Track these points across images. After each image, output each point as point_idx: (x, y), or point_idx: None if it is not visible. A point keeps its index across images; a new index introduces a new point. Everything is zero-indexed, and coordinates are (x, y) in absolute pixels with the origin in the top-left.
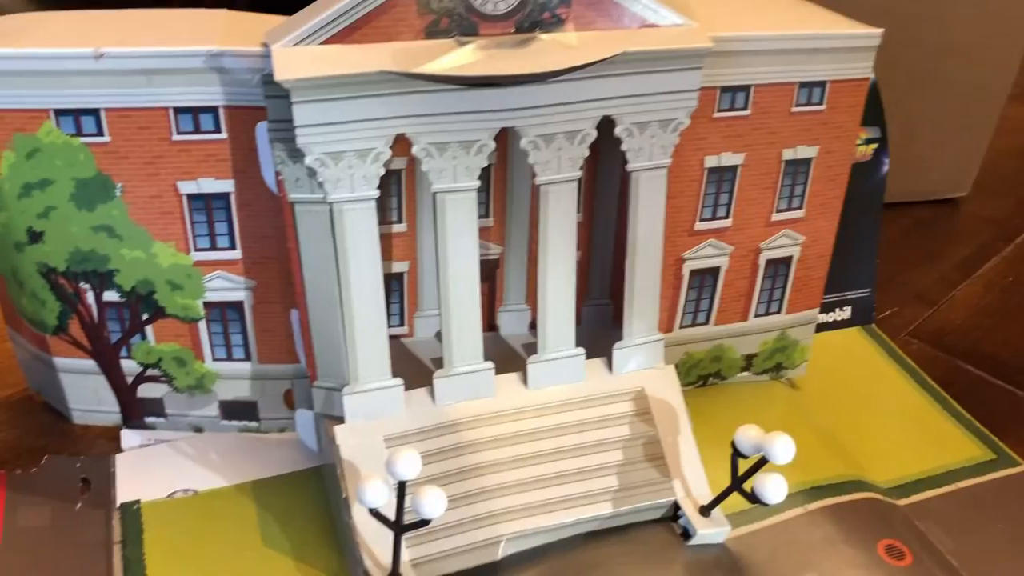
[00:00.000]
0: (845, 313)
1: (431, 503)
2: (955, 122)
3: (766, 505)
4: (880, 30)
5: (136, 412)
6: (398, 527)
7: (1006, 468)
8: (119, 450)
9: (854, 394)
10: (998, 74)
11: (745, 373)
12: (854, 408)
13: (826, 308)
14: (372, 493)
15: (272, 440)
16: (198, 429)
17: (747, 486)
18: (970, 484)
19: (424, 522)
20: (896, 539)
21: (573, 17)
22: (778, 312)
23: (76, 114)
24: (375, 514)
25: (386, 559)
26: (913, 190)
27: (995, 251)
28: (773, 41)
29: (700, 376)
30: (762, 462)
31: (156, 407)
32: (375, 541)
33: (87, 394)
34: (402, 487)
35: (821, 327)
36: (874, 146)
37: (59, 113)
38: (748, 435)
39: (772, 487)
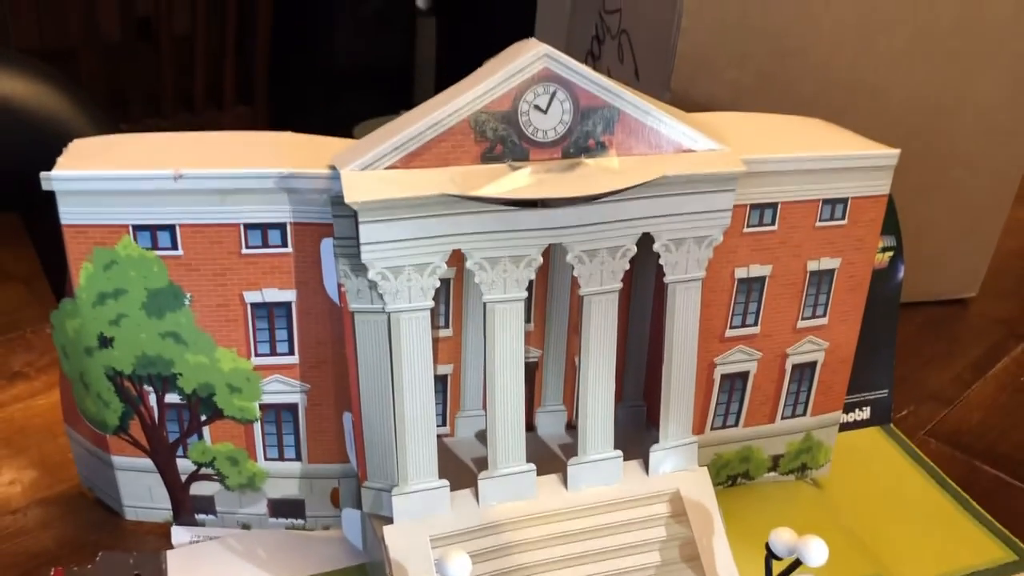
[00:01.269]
0: (864, 413)
1: None
2: (962, 226)
3: None
4: (897, 151)
5: (187, 509)
6: None
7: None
8: (170, 546)
9: (876, 494)
10: (1002, 182)
11: (772, 473)
12: (877, 508)
13: (846, 409)
14: None
15: (317, 537)
16: (246, 526)
17: None
18: None
19: None
20: None
21: (615, 144)
22: (803, 415)
23: (153, 229)
24: None
25: None
26: (925, 290)
27: (1006, 351)
28: (799, 162)
29: (729, 476)
30: (796, 564)
31: (207, 504)
32: None
33: (141, 491)
34: None
35: (842, 427)
36: (890, 254)
37: (137, 228)
38: (783, 538)
39: None
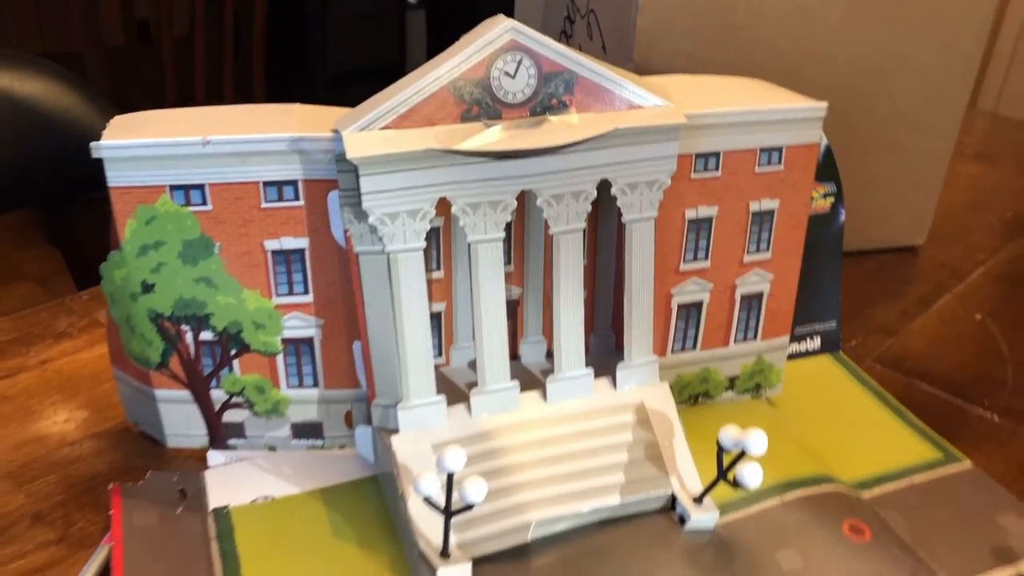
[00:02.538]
0: (815, 343)
1: (475, 490)
2: (908, 179)
3: (747, 489)
4: (824, 103)
5: (221, 435)
6: (447, 512)
7: (952, 465)
8: (207, 467)
9: (823, 409)
10: (940, 138)
11: (729, 392)
12: (824, 421)
13: (798, 339)
14: (426, 484)
15: (334, 455)
16: (272, 448)
17: (730, 476)
18: (922, 479)
19: (469, 507)
20: (858, 519)
21: (575, 102)
22: (754, 339)
23: (186, 188)
24: (428, 502)
25: (437, 541)
26: (876, 239)
27: (948, 289)
28: (736, 116)
29: (691, 395)
30: (741, 454)
31: (237, 430)
32: (427, 527)
33: (180, 421)
34: (450, 478)
35: (795, 355)
36: (831, 199)
37: (173, 188)
38: (730, 433)
39: (751, 473)
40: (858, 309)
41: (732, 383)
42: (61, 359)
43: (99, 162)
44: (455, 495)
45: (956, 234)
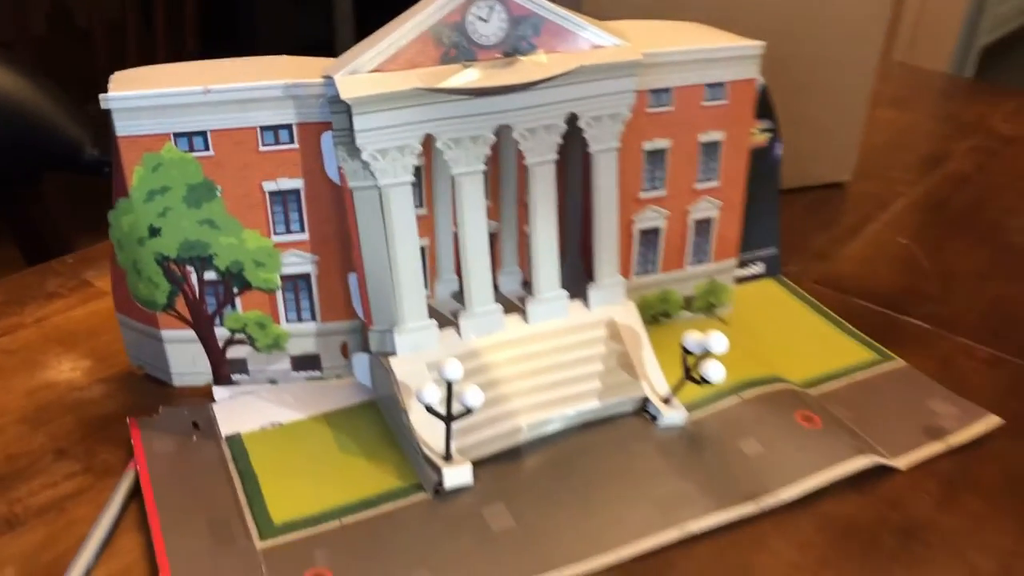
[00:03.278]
0: (759, 268)
1: (473, 396)
2: (833, 119)
3: (712, 383)
4: (760, 43)
5: (225, 372)
6: (448, 418)
7: (887, 364)
8: (213, 402)
9: (770, 324)
10: (860, 79)
11: (686, 312)
12: (771, 333)
13: (744, 264)
14: (428, 394)
15: (333, 384)
16: (273, 381)
17: (696, 375)
18: (861, 376)
19: (468, 411)
20: (808, 410)
21: (542, 44)
22: (706, 261)
23: (189, 135)
24: (430, 410)
25: (439, 447)
26: (808, 177)
27: (874, 218)
28: (685, 54)
29: (652, 315)
30: (705, 354)
31: (241, 366)
32: (429, 435)
33: (186, 360)
34: (450, 386)
35: (741, 279)
36: (768, 135)
37: (177, 135)
38: (693, 336)
39: (714, 369)
40: (796, 239)
41: (688, 303)
42: (56, 316)
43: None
44: (455, 403)
45: (879, 170)
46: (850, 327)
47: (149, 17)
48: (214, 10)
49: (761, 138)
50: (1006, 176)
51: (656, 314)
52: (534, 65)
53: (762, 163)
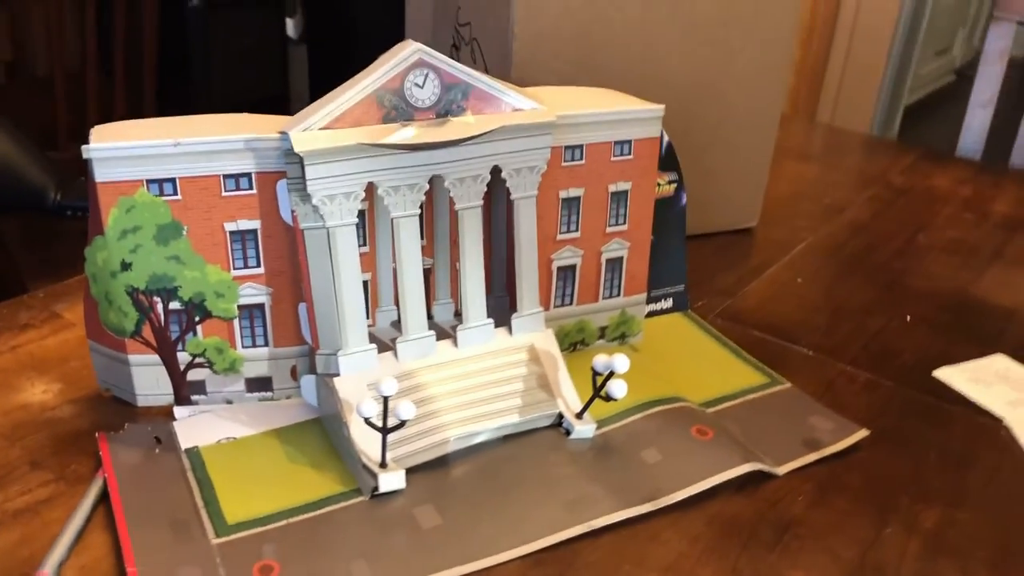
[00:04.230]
0: (668, 303)
1: (406, 409)
2: (739, 170)
3: (616, 399)
4: (661, 106)
5: (185, 392)
6: (384, 429)
7: (776, 386)
8: (174, 420)
9: (676, 352)
10: (762, 136)
11: (601, 340)
12: (676, 360)
13: (654, 299)
14: (366, 408)
15: (283, 404)
16: (229, 401)
17: (603, 393)
18: (752, 397)
19: (401, 424)
20: (703, 425)
21: (471, 107)
22: (618, 295)
23: (160, 182)
24: (368, 422)
25: (376, 456)
26: (717, 223)
27: (776, 260)
28: (595, 116)
29: (571, 343)
30: (611, 374)
31: (199, 387)
32: (368, 446)
33: (150, 382)
34: (386, 401)
35: (652, 313)
36: (674, 185)
37: (149, 181)
38: (600, 359)
39: (617, 387)
40: (704, 278)
41: (603, 332)
42: (29, 345)
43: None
44: (390, 416)
45: (784, 218)
46: (746, 355)
47: (108, 68)
48: (171, 62)
49: (668, 188)
50: (896, 223)
51: (574, 342)
52: (463, 124)
53: (669, 210)
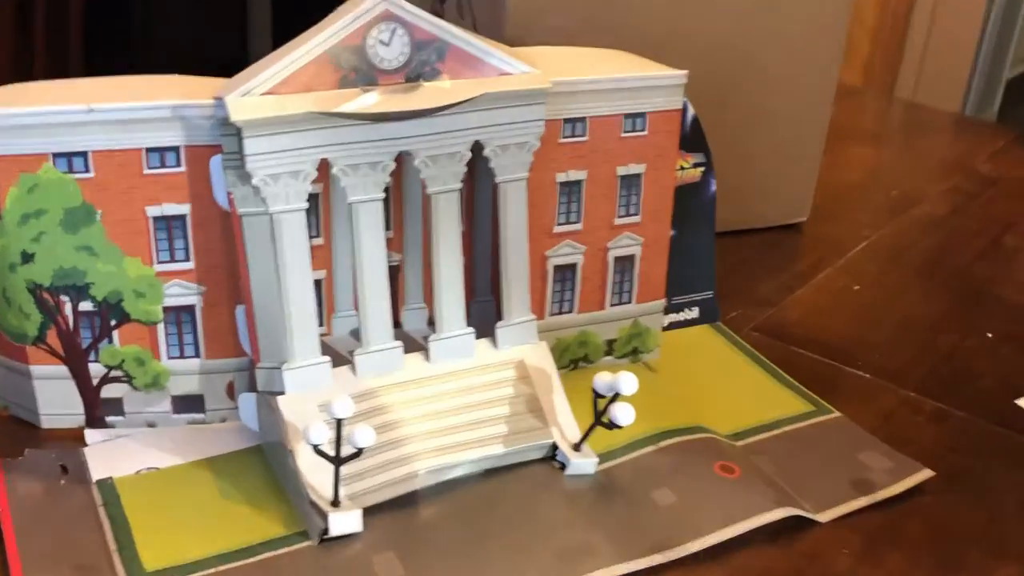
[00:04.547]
0: (693, 313)
1: (363, 435)
2: (786, 154)
3: (620, 426)
4: (684, 71)
5: (98, 413)
6: (337, 459)
7: (822, 416)
8: (85, 445)
9: (700, 373)
10: (815, 111)
11: (608, 357)
12: (700, 382)
13: (676, 308)
14: (315, 432)
15: (217, 428)
16: (152, 425)
17: (605, 419)
18: (792, 428)
19: (358, 453)
20: (728, 461)
21: (447, 70)
22: (629, 302)
23: (69, 156)
24: (317, 451)
25: (327, 491)
26: (756, 216)
27: (829, 264)
28: (600, 83)
29: (571, 360)
30: (615, 396)
31: (116, 407)
32: (317, 480)
33: (56, 398)
34: (339, 424)
35: (674, 325)
36: (701, 169)
37: (56, 156)
38: (602, 378)
39: (622, 412)
40: (739, 284)
41: (610, 347)
42: None
43: None
44: (344, 444)
45: (841, 212)
46: (787, 377)
47: (26, 25)
48: (104, 19)
49: (694, 172)
50: (980, 221)
51: (575, 359)
52: (437, 91)
53: (695, 200)
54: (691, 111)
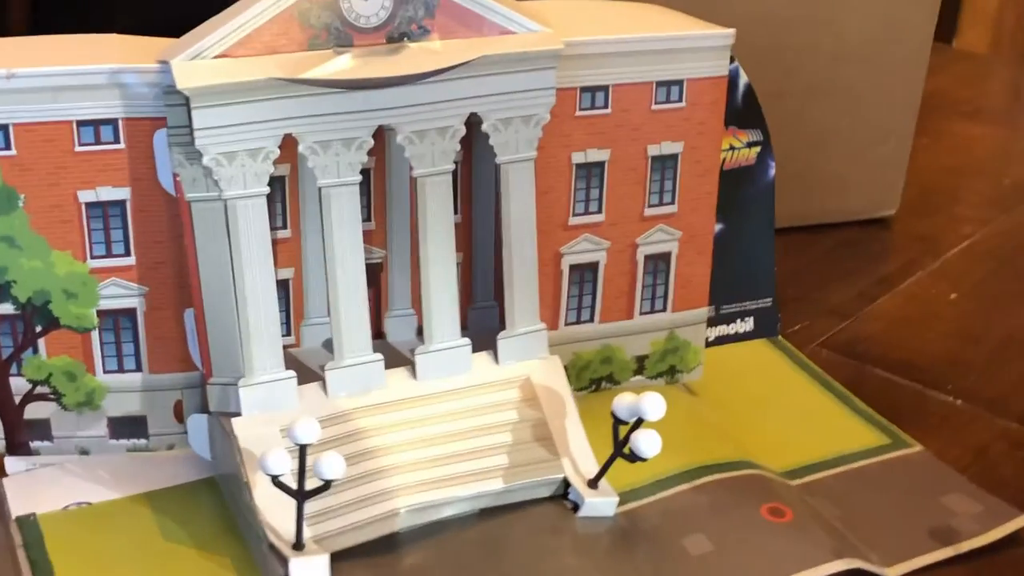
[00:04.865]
0: (748, 324)
1: (330, 465)
2: (868, 134)
3: (644, 460)
4: (731, 30)
5: (21, 437)
6: (300, 494)
7: (900, 450)
8: (4, 475)
9: (752, 396)
10: (905, 81)
11: (639, 377)
12: (751, 407)
13: (727, 319)
14: (274, 461)
15: (162, 457)
16: (84, 451)
17: (626, 449)
18: (861, 465)
19: (325, 486)
20: (778, 502)
21: (438, 28)
22: (664, 310)
23: None
24: (277, 483)
25: (289, 532)
26: (835, 209)
27: (921, 267)
28: (624, 44)
29: (592, 380)
30: (638, 422)
31: (42, 430)
32: (277, 518)
33: None
34: (303, 451)
35: (723, 339)
36: (757, 149)
37: None
38: (624, 401)
39: (646, 441)
40: (807, 290)
41: (641, 365)
42: None
43: None
44: (308, 475)
45: (940, 203)
46: (858, 403)
47: None
48: None
49: (747, 153)
50: None
51: (597, 378)
52: (425, 53)
53: (750, 187)
54: (744, 79)
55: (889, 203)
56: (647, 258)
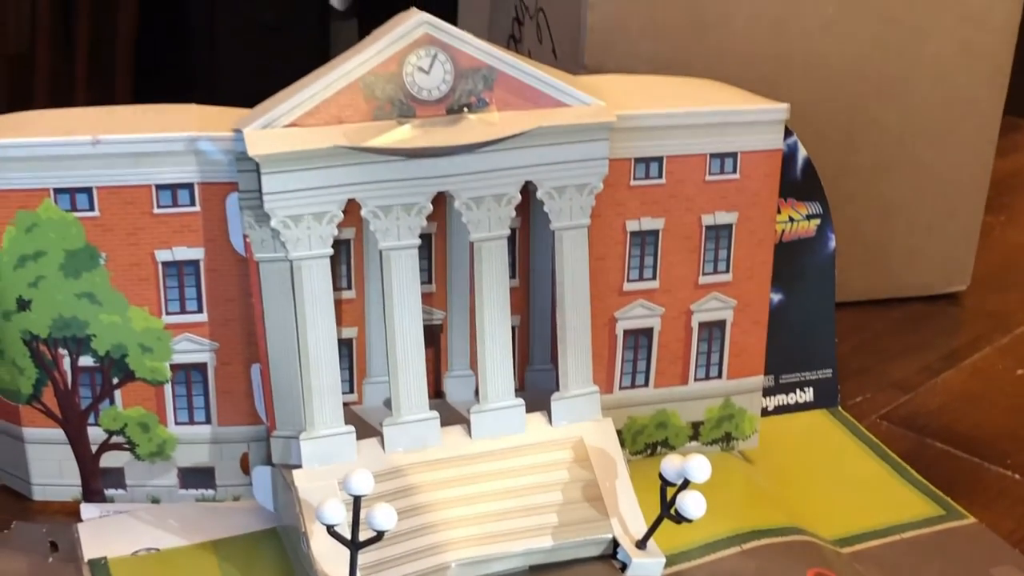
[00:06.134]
0: (807, 395)
1: (384, 516)
2: (937, 208)
3: (689, 521)
4: (785, 105)
5: (96, 484)
6: (354, 544)
7: (953, 521)
8: (80, 520)
9: (808, 465)
10: (973, 155)
11: (694, 443)
12: (806, 476)
13: (786, 389)
14: (330, 511)
15: (228, 507)
16: (155, 500)
17: (673, 510)
18: (913, 535)
19: (378, 536)
20: (826, 568)
21: (496, 100)
22: (719, 377)
23: (72, 192)
24: (332, 533)
25: None
26: (904, 283)
27: (989, 342)
28: (678, 117)
29: (647, 444)
30: (685, 484)
31: (116, 478)
32: (333, 567)
33: (50, 467)
34: (357, 502)
35: (782, 408)
36: (816, 221)
37: (58, 191)
38: (672, 463)
39: (692, 503)
40: (870, 362)
41: (697, 431)
42: None
43: None
44: (362, 526)
45: (1015, 279)
46: (914, 474)
47: (69, 50)
48: (159, 37)
49: (807, 226)
50: None
51: (652, 443)
52: (482, 123)
53: (810, 258)
54: (803, 152)
55: (959, 279)
56: (702, 325)
